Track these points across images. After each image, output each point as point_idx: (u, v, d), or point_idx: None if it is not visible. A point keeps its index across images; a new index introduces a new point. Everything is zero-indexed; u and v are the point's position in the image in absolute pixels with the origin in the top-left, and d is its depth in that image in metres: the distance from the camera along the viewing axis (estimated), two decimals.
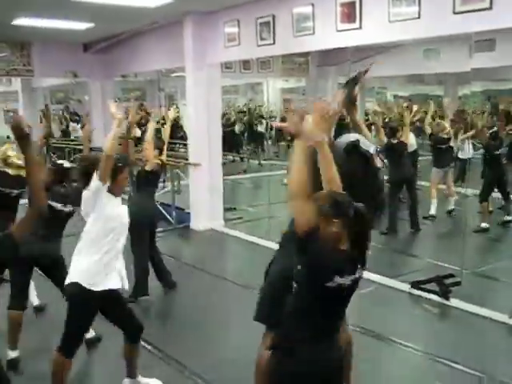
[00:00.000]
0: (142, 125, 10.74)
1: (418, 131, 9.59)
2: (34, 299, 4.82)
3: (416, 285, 5.16)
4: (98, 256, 3.17)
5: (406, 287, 5.22)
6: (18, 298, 3.92)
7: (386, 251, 6.58)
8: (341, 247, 2.13)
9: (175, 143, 12.38)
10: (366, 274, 5.66)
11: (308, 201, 2.13)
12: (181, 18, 7.41)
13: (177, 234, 7.72)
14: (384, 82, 19.05)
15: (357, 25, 5.33)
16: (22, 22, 7.60)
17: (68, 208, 3.90)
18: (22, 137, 2.20)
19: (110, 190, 3.21)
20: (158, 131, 6.42)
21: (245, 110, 17.52)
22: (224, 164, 8.38)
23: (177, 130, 12.14)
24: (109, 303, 3.29)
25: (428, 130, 8.25)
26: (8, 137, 5.89)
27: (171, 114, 6.17)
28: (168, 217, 8.01)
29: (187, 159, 8.11)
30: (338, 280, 2.10)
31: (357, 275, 2.18)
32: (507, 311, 4.52)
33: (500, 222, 7.44)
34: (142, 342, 4.16)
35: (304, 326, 2.23)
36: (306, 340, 2.22)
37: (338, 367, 2.33)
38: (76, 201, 3.53)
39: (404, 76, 15.58)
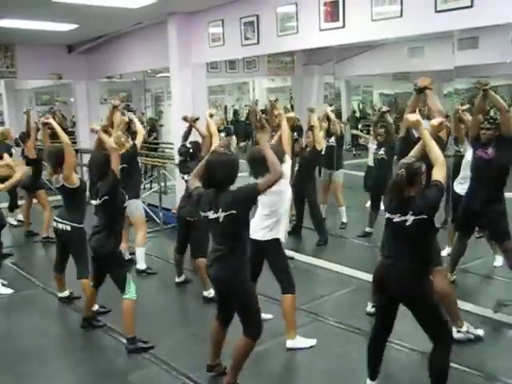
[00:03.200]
0: None
1: None
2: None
3: None
4: None
5: None
6: None
7: (372, 249, 6.62)
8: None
9: (158, 143, 12.36)
10: (351, 272, 5.69)
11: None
12: (165, 19, 7.39)
13: (164, 234, 7.71)
14: (370, 81, 19.13)
15: (340, 24, 5.35)
16: (5, 23, 7.54)
17: None
18: None
19: None
20: None
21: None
22: None
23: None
24: None
25: None
26: None
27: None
28: (155, 218, 7.99)
29: (173, 159, 8.09)
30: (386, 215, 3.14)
31: (403, 217, 3.02)
32: (492, 306, 4.57)
33: None
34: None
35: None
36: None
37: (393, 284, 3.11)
38: None
39: (389, 74, 15.66)
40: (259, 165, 3.55)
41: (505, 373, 3.70)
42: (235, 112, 18.26)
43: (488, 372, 3.72)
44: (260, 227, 3.98)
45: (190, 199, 4.31)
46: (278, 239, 4.04)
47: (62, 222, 4.78)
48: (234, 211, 3.17)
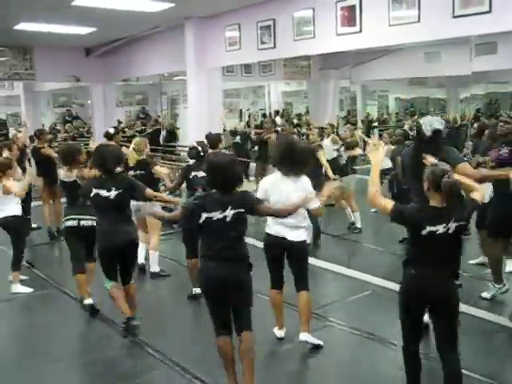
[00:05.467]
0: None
1: None
2: None
3: None
4: None
5: None
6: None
7: (386, 254, 6.59)
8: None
9: (174, 146, 12.44)
10: (364, 277, 5.66)
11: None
12: (182, 23, 7.44)
13: (178, 237, 7.71)
14: (386, 85, 19.06)
15: (357, 28, 5.36)
16: (24, 26, 7.65)
17: None
18: None
19: None
20: None
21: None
22: None
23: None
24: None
25: None
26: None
27: None
28: None
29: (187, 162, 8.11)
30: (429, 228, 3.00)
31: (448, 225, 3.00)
32: (508, 315, 4.52)
33: None
34: (144, 346, 4.19)
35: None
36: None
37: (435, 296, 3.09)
38: None
39: (405, 79, 15.61)
40: (303, 160, 3.82)
41: None
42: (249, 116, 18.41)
43: (502, 380, 3.68)
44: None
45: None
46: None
47: (84, 219, 4.81)
48: (242, 209, 3.26)
